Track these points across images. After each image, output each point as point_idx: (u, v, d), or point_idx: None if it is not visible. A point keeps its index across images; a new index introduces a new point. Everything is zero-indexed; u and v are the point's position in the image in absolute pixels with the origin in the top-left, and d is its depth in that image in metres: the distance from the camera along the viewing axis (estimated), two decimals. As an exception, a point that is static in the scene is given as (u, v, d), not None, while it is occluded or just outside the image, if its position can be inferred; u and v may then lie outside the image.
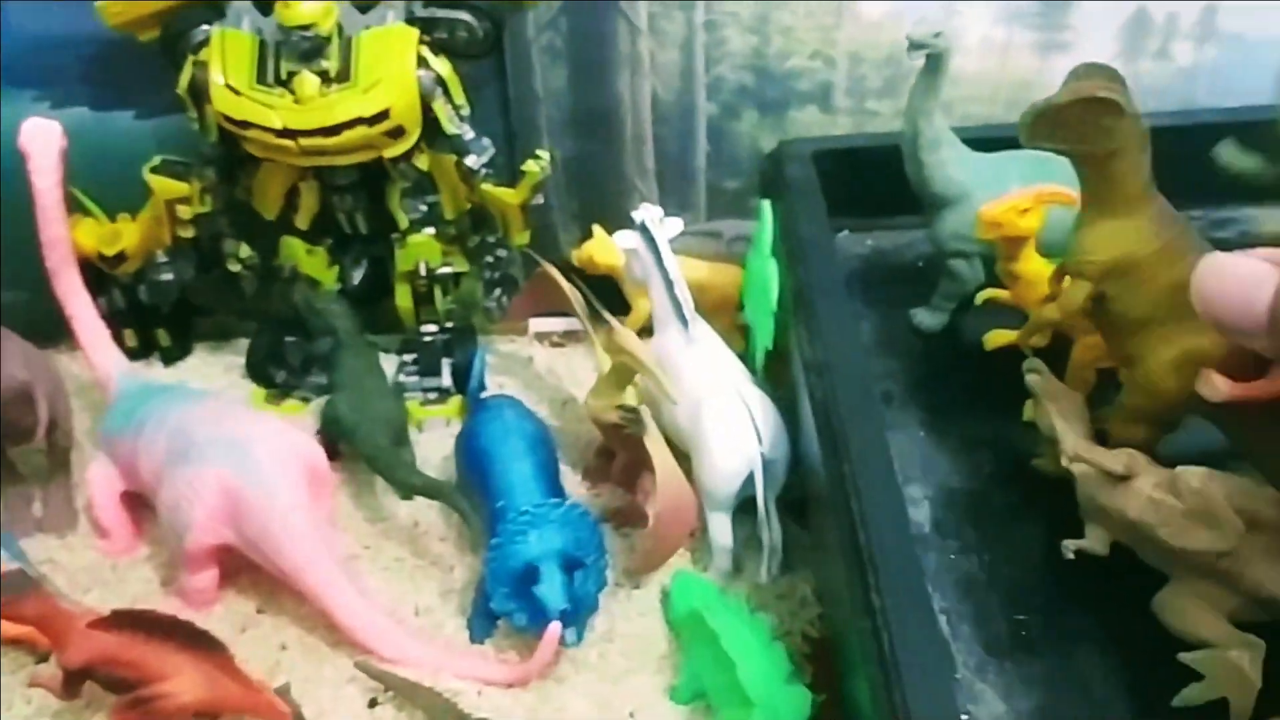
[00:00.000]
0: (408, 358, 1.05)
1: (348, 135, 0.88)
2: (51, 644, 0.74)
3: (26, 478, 0.96)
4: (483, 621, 0.84)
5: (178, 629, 0.74)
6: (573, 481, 0.96)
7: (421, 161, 0.96)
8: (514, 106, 1.03)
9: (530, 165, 0.94)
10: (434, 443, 1.01)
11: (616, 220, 1.03)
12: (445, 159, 0.96)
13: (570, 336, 1.13)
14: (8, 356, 0.85)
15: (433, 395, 1.04)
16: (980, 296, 0.87)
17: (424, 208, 0.99)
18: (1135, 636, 0.68)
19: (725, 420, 0.84)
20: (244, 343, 1.12)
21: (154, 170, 0.98)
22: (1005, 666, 0.69)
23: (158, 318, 1.09)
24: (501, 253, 1.03)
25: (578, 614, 0.80)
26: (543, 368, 1.09)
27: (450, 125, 0.93)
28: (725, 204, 1.08)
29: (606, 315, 0.87)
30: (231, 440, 0.82)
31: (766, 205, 0.89)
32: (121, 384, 0.93)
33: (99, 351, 0.95)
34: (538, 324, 1.13)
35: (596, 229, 1.06)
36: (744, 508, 0.86)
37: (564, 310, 1.00)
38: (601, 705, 0.80)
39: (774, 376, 0.91)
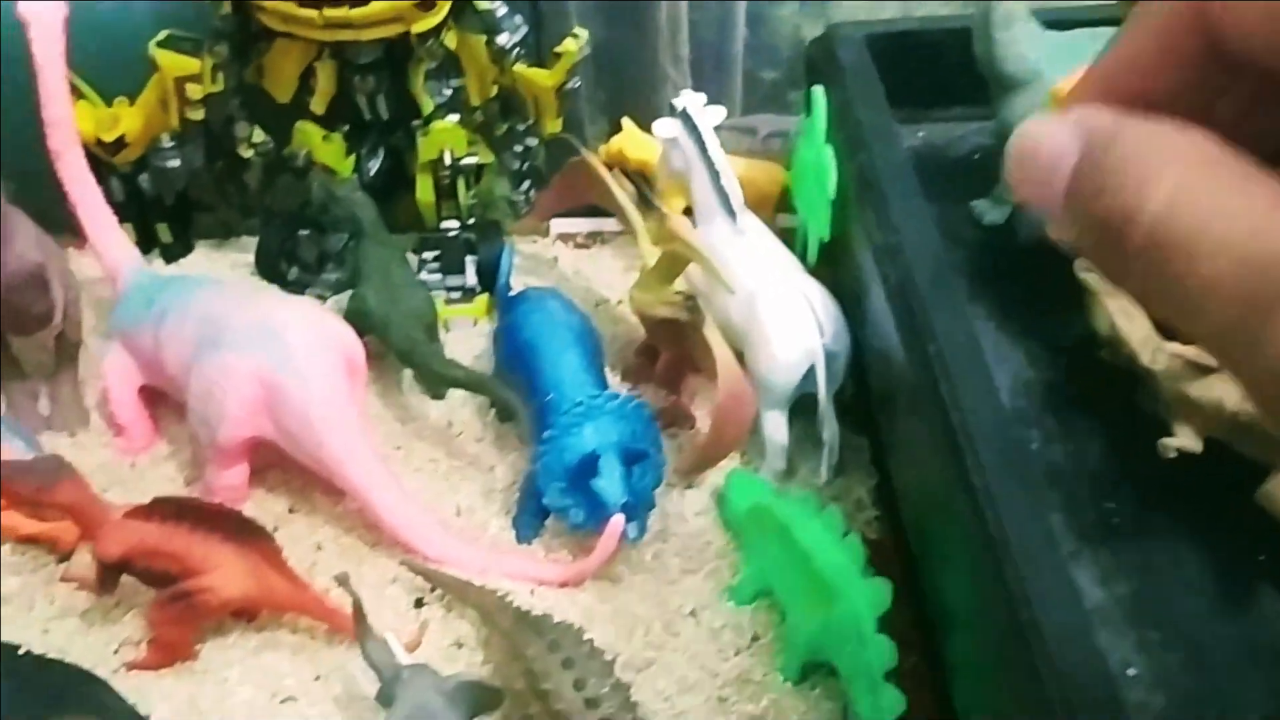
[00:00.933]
0: (428, 255, 1.00)
1: (375, 5, 0.83)
2: (86, 535, 0.69)
3: (30, 374, 0.90)
4: (529, 521, 0.80)
5: (223, 518, 0.70)
6: (611, 384, 0.92)
7: (449, 40, 0.91)
8: (541, -12, 0.98)
9: (568, 44, 0.89)
10: (461, 343, 0.96)
11: (647, 113, 0.99)
12: (474, 39, 0.91)
13: (595, 238, 1.08)
14: (20, 236, 0.79)
15: (455, 295, 0.99)
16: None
17: (449, 92, 0.94)
18: (1224, 524, 0.67)
19: (784, 311, 0.81)
20: (248, 240, 1.06)
21: (161, 45, 0.91)
22: (1099, 554, 0.66)
23: (159, 211, 1.03)
24: (530, 142, 0.99)
25: (637, 509, 0.76)
26: (569, 269, 1.04)
27: (483, 1, 0.88)
28: (762, 97, 1.04)
29: (657, 202, 0.82)
30: (265, 326, 0.77)
31: (820, 92, 0.85)
32: (133, 275, 0.88)
33: (108, 240, 0.89)
34: (560, 225, 1.09)
35: (627, 122, 1.02)
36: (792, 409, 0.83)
37: (596, 204, 0.96)
38: (660, 605, 0.77)
39: (828, 269, 0.88)
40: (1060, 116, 0.28)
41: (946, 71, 0.86)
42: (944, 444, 0.62)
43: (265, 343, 0.76)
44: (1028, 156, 0.28)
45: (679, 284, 0.84)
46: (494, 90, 0.95)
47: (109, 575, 0.70)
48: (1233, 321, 0.24)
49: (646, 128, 0.99)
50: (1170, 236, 0.25)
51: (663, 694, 0.72)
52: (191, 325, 0.78)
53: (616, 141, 1.01)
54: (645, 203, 0.82)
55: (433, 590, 0.77)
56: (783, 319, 0.80)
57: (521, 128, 0.97)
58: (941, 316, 0.66)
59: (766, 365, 0.81)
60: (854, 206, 0.79)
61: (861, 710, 0.68)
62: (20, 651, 0.68)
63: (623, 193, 0.90)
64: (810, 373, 0.80)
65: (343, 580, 0.65)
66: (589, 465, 0.75)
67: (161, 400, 0.88)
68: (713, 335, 0.80)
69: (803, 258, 0.89)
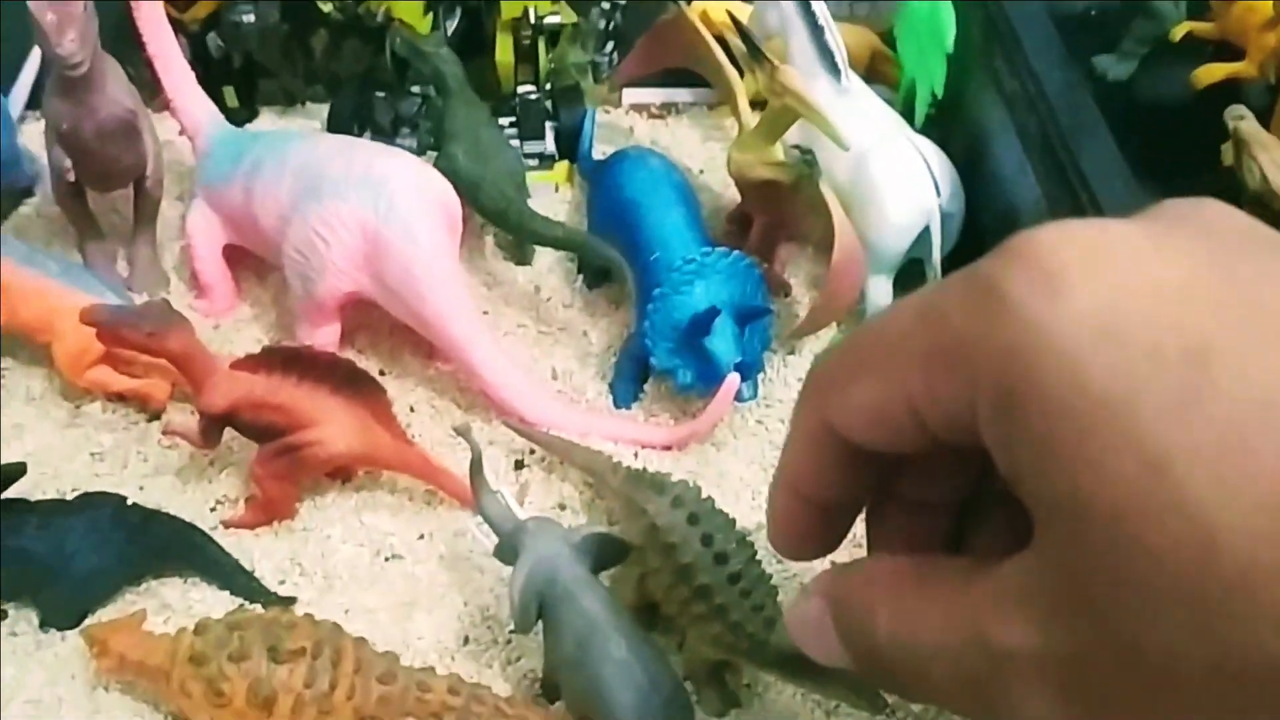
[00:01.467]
0: (505, 121, 0.97)
1: None
2: (191, 386, 0.67)
3: (108, 235, 0.88)
4: (628, 385, 0.78)
5: (333, 369, 0.67)
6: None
7: (532, -108, 0.87)
8: None
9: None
10: (542, 211, 0.93)
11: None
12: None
13: (669, 109, 1.05)
14: (112, 81, 0.76)
15: (533, 161, 0.96)
16: (1179, 30, 0.81)
17: (532, -53, 0.90)
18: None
19: (898, 170, 0.78)
20: (313, 108, 1.03)
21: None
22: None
23: (226, 73, 1.00)
24: (619, -1, 0.95)
25: (749, 369, 0.74)
26: (645, 139, 1.01)
27: None
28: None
29: (767, 53, 0.79)
30: (368, 176, 0.74)
31: (935, -59, 0.82)
32: (216, 131, 0.85)
33: (188, 96, 0.86)
34: (632, 95, 1.05)
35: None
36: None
37: (683, 67, 0.93)
38: (765, 470, 0.75)
39: (936, 129, 0.84)
40: (807, 596, 0.34)
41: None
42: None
43: (368, 192, 0.73)
44: (802, 630, 0.34)
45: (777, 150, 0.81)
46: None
47: (212, 428, 0.68)
48: (969, 702, 0.29)
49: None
50: (899, 662, 0.30)
51: (772, 558, 0.70)
52: (289, 176, 0.75)
53: (697, 4, 0.98)
54: (754, 54, 0.79)
55: (532, 453, 0.75)
56: (897, 178, 0.78)
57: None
58: (1094, 167, 0.63)
59: (877, 227, 0.78)
60: (976, 59, 0.76)
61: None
62: (129, 502, 0.66)
63: (720, 51, 0.86)
64: (922, 236, 0.77)
65: (463, 431, 0.63)
66: (699, 325, 0.72)
67: (242, 262, 0.85)
68: (829, 193, 0.77)
69: (907, 119, 0.85)
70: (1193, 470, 0.23)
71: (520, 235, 0.83)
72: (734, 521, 0.64)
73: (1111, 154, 0.65)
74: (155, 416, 0.77)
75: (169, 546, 0.66)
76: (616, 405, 0.78)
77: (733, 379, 0.72)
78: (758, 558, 0.63)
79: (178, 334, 0.65)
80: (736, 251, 0.75)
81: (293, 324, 0.80)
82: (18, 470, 0.64)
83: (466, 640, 0.66)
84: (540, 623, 0.60)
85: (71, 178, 0.79)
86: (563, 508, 0.73)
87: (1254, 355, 0.24)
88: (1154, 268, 0.26)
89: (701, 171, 0.96)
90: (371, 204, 0.72)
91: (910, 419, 0.29)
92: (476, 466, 0.63)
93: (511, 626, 0.66)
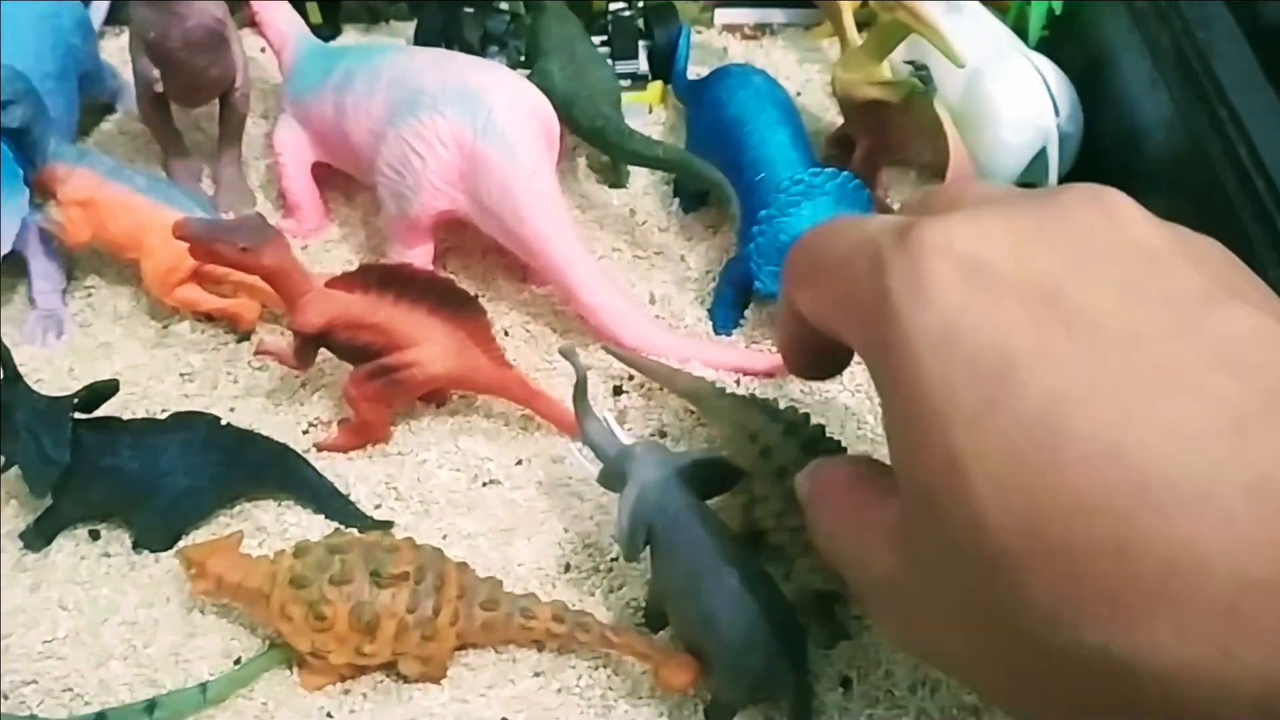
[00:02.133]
0: (596, 40, 0.94)
1: None
2: (285, 304, 0.65)
3: (192, 153, 0.86)
4: (729, 311, 0.76)
5: (434, 288, 0.65)
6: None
7: None
8: None
9: None
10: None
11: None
12: None
13: (763, 30, 1.01)
14: (201, -9, 0.74)
15: (625, 82, 0.92)
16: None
17: None
18: None
19: (1014, 88, 0.74)
20: (396, 25, 1.01)
21: None
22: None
23: (310, -10, 0.97)
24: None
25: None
26: (739, 60, 0.98)
27: None
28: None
29: (878, -35, 0.75)
30: (464, 90, 0.71)
31: None
32: (303, 44, 0.82)
33: (273, 9, 0.83)
34: (725, 15, 1.02)
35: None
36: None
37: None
38: (870, 398, 0.72)
39: (1048, 49, 0.80)
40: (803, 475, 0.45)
41: None
42: (1255, 211, 0.56)
43: (466, 106, 0.70)
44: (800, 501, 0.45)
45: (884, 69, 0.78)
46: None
47: (306, 348, 0.66)
48: (868, 605, 0.40)
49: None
50: (831, 556, 0.41)
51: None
52: (383, 89, 0.73)
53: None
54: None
55: (630, 378, 0.73)
56: (1013, 97, 0.74)
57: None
58: (1233, 81, 0.59)
59: (991, 149, 0.75)
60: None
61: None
62: (223, 423, 0.65)
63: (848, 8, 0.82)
64: (1038, 158, 0.74)
65: (568, 353, 0.60)
66: None
67: (330, 181, 0.83)
68: (943, 112, 0.73)
69: (1020, 37, 0.81)
70: (977, 473, 0.29)
71: (617, 154, 0.80)
72: (845, 449, 0.62)
73: (1251, 67, 0.61)
74: (244, 337, 0.75)
75: (264, 468, 0.65)
76: (716, 331, 0.76)
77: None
78: (872, 488, 0.60)
79: (273, 249, 0.63)
80: (845, 172, 0.72)
81: (383, 245, 0.78)
82: (110, 387, 0.63)
83: (568, 567, 0.64)
84: (647, 549, 0.57)
85: (159, 89, 0.77)
86: (663, 434, 0.71)
87: (1048, 374, 0.28)
88: (1006, 280, 0.30)
89: (799, 94, 0.93)
90: (470, 118, 0.70)
91: (835, 328, 0.37)
92: (580, 390, 0.61)
93: (614, 554, 0.64)
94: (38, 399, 0.61)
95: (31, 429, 0.60)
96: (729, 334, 0.76)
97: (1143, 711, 0.27)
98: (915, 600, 0.33)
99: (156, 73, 0.75)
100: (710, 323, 0.76)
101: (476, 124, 0.70)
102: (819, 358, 0.44)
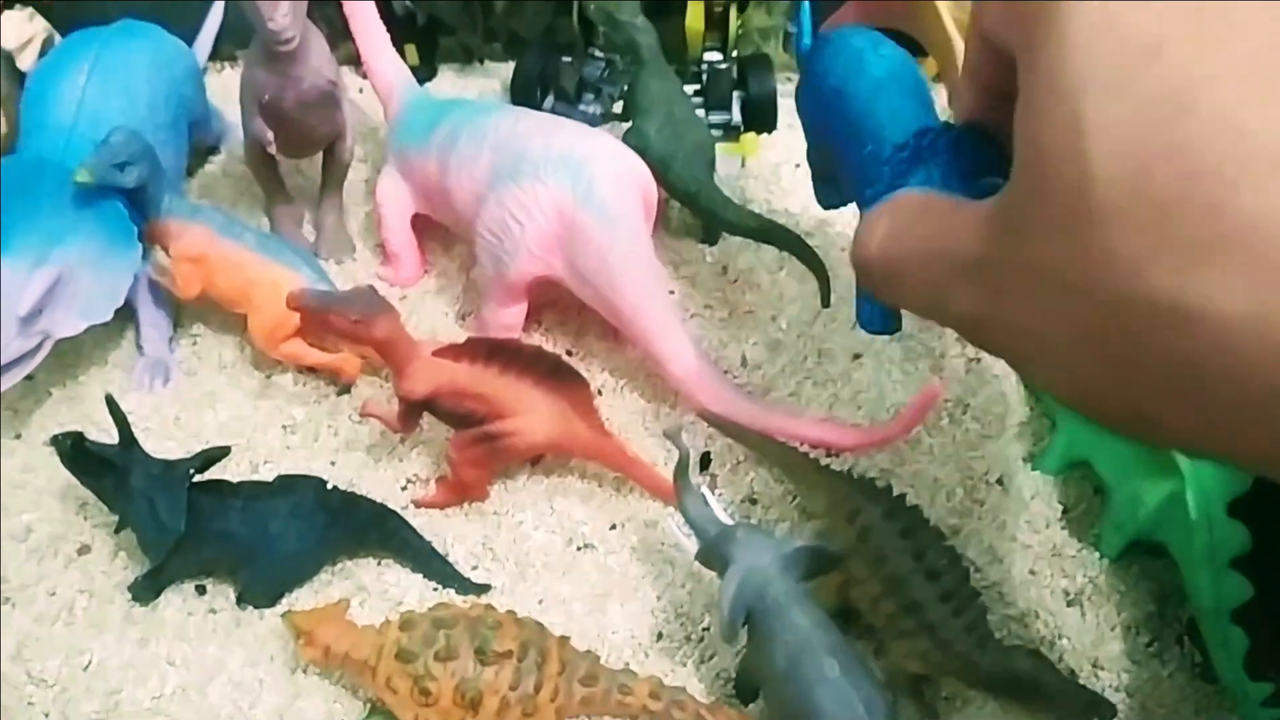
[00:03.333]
0: (690, 89, 0.94)
1: None
2: (394, 371, 0.67)
3: (293, 198, 0.88)
4: (872, 306, 0.72)
5: (540, 361, 0.66)
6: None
7: None
8: None
9: None
10: (727, 184, 0.90)
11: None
12: None
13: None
14: (315, 53, 0.75)
15: (718, 132, 0.93)
16: None
17: (727, -90, 0.87)
18: None
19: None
20: (491, 66, 1.02)
21: None
22: None
23: (409, 30, 0.99)
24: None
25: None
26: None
27: None
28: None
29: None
30: (568, 157, 0.72)
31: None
32: (410, 97, 0.84)
33: (383, 59, 0.85)
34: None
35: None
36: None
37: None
38: (961, 469, 0.73)
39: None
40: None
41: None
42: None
43: (568, 175, 0.71)
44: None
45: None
46: None
47: (411, 413, 0.68)
48: (923, 301, 0.38)
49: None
50: (888, 263, 0.39)
51: (971, 564, 0.68)
52: (487, 152, 0.74)
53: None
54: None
55: (712, 439, 0.73)
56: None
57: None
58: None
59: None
60: None
61: (1201, 598, 0.63)
62: (329, 486, 0.66)
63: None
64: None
65: (672, 435, 0.61)
66: None
67: (428, 232, 0.85)
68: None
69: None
70: (1096, 134, 0.29)
71: (710, 221, 0.81)
72: (944, 536, 0.62)
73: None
74: (346, 390, 0.77)
75: (367, 530, 0.66)
76: (864, 326, 0.74)
77: (933, 389, 0.69)
78: (969, 574, 0.61)
79: (383, 321, 0.64)
80: (959, 126, 0.69)
81: (479, 298, 0.79)
82: (221, 453, 0.64)
83: (660, 636, 0.65)
84: (744, 631, 0.58)
85: (273, 150, 0.78)
86: (753, 501, 0.71)
87: (1191, 57, 0.29)
88: None
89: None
90: (570, 187, 0.71)
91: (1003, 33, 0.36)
92: (682, 468, 0.61)
93: (705, 623, 0.65)
94: (153, 464, 0.62)
95: (148, 494, 0.61)
96: (879, 332, 0.73)
97: (1197, 361, 0.29)
98: (998, 276, 0.34)
99: (271, 135, 0.77)
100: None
101: (578, 193, 0.71)
102: (989, 90, 0.42)
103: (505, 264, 0.73)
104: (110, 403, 0.62)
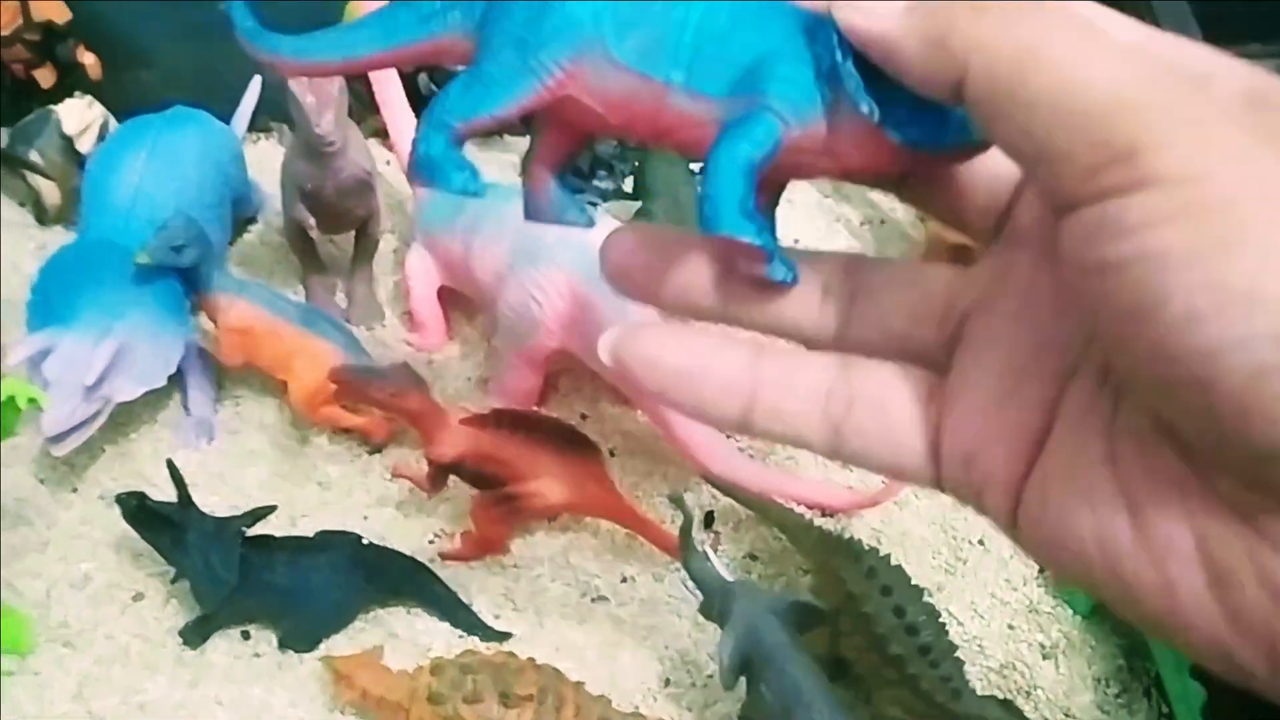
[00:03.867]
0: (696, 168, 1.01)
1: None
2: (424, 438, 0.73)
3: (327, 268, 0.94)
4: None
5: (556, 432, 0.73)
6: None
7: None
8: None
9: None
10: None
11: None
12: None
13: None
14: (353, 145, 0.82)
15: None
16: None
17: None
18: None
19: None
20: (511, 141, 1.08)
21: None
22: None
23: (434, 109, 1.06)
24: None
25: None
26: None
27: None
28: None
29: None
30: (583, 244, 0.78)
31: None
32: (436, 180, 0.90)
33: (408, 138, 0.91)
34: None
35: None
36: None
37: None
38: (945, 530, 0.79)
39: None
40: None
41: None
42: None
43: (581, 258, 0.77)
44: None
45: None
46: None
47: (439, 475, 0.74)
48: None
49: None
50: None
51: (953, 619, 0.74)
52: (508, 236, 0.80)
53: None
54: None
55: (717, 499, 0.79)
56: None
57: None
58: None
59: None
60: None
61: (1162, 654, 0.69)
62: (364, 542, 0.72)
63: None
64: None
65: (676, 499, 0.68)
66: None
67: (452, 301, 0.91)
68: None
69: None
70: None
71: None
72: (924, 592, 0.68)
73: None
74: (376, 450, 0.83)
75: (400, 583, 0.72)
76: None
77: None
78: (945, 628, 0.67)
79: (416, 395, 0.70)
80: None
81: (499, 364, 0.85)
82: (267, 511, 0.71)
83: (667, 682, 0.71)
84: (743, 678, 0.64)
85: (315, 234, 0.85)
86: (753, 558, 0.77)
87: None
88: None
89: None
90: (583, 270, 0.77)
91: None
92: (686, 531, 0.68)
93: (709, 671, 0.71)
94: (208, 521, 0.69)
95: (203, 549, 0.68)
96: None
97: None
98: None
99: (312, 220, 0.84)
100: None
101: (589, 276, 0.77)
102: None
103: (523, 339, 0.80)
104: (170, 467, 0.68)
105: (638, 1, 0.31)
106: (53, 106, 0.94)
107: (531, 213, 0.37)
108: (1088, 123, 0.24)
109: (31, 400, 0.60)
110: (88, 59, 0.98)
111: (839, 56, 0.29)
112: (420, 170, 0.33)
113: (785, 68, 0.30)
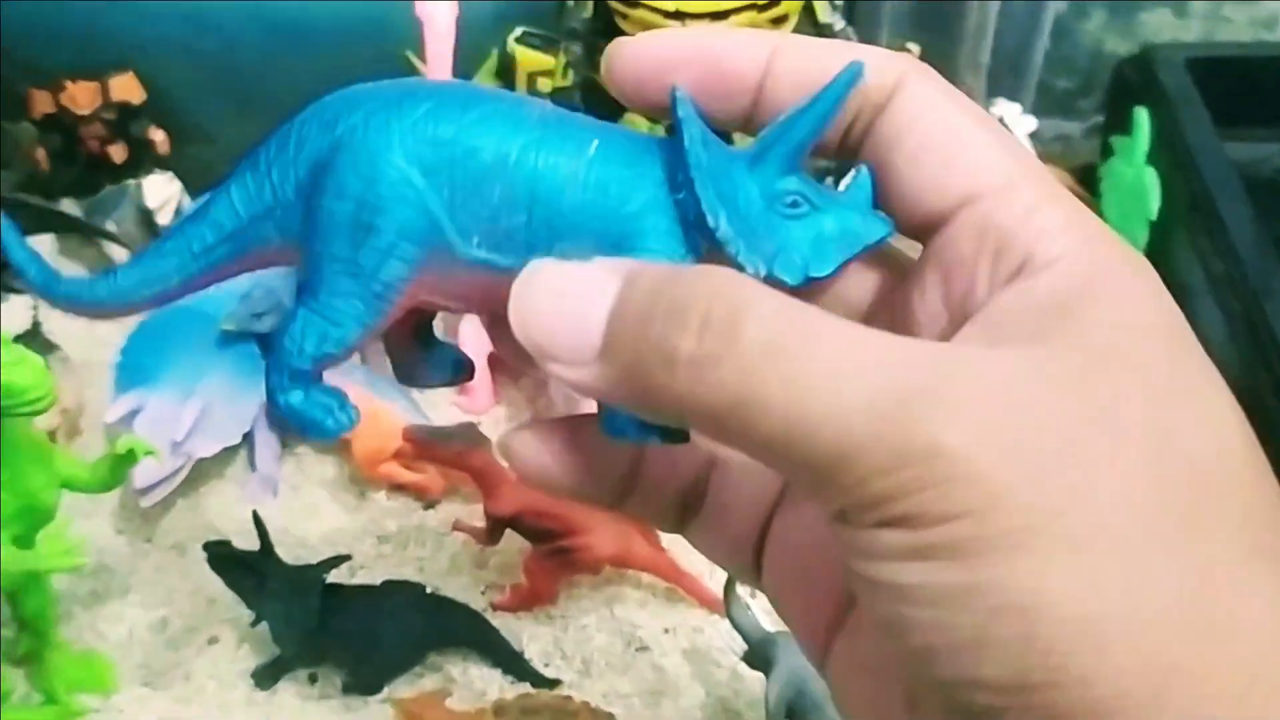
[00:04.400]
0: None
1: (734, 20, 0.90)
2: (485, 493, 0.78)
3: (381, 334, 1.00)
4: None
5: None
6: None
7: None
8: (858, -8, 1.04)
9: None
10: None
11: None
12: (801, 44, 0.97)
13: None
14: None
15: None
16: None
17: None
18: None
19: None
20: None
21: (519, 41, 0.99)
22: None
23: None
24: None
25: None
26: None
27: (824, 14, 0.94)
28: (1052, 103, 1.08)
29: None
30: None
31: (1142, 113, 0.90)
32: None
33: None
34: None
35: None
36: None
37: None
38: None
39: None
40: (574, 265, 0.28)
41: (1272, 94, 0.90)
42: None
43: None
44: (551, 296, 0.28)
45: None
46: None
47: (496, 529, 0.79)
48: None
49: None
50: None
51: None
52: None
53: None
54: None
55: (760, 559, 0.85)
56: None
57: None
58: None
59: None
60: (1180, 230, 0.84)
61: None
62: (428, 591, 0.78)
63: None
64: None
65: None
66: None
67: (499, 366, 0.97)
68: None
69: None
70: None
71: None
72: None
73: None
74: (431, 506, 0.88)
75: (459, 631, 0.77)
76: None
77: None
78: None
79: (480, 453, 0.76)
80: None
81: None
82: (341, 559, 0.76)
83: (708, 728, 0.76)
84: (784, 724, 0.69)
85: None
86: (787, 611, 0.82)
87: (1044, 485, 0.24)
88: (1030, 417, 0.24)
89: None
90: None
91: None
92: (730, 581, 0.73)
93: (747, 719, 0.76)
94: (287, 568, 0.74)
95: (283, 595, 0.73)
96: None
97: None
98: None
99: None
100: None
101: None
102: None
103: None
104: (255, 518, 0.73)
105: (457, 178, 0.29)
106: (130, 180, 1.00)
107: (405, 378, 0.36)
108: (822, 470, 0.24)
109: (148, 452, 0.65)
110: (157, 136, 1.04)
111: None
112: (288, 424, 0.32)
113: (651, 221, 0.29)
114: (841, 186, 0.32)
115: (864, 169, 0.30)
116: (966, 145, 0.29)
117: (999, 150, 0.29)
